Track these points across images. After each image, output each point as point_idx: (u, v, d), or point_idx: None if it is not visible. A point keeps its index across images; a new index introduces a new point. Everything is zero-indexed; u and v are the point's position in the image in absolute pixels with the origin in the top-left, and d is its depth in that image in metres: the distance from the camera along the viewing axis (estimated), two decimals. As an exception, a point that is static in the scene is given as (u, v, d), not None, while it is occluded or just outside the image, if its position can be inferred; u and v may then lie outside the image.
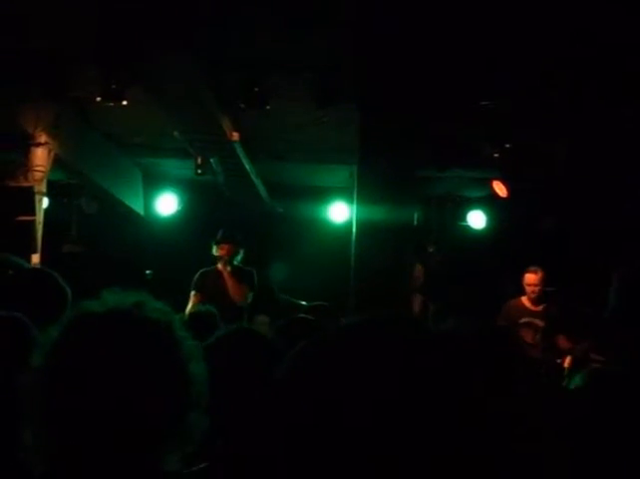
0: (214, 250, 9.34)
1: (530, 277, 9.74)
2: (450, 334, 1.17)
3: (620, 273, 3.00)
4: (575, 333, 9.54)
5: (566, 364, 9.14)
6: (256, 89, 8.45)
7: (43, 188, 9.75)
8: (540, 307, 9.75)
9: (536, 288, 9.70)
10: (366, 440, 1.06)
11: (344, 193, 12.00)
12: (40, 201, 9.67)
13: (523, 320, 9.59)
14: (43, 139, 9.53)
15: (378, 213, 7.46)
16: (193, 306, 9.04)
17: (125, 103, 8.24)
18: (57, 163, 9.93)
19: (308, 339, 1.20)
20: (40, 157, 9.59)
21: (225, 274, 9.18)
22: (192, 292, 9.24)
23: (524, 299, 9.81)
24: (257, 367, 2.80)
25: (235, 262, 9.31)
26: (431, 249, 12.59)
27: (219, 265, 9.32)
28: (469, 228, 12.72)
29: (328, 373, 1.12)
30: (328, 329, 1.21)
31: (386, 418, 1.06)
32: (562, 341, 9.66)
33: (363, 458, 1.06)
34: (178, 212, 12.98)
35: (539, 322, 9.62)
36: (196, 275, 9.35)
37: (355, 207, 8.04)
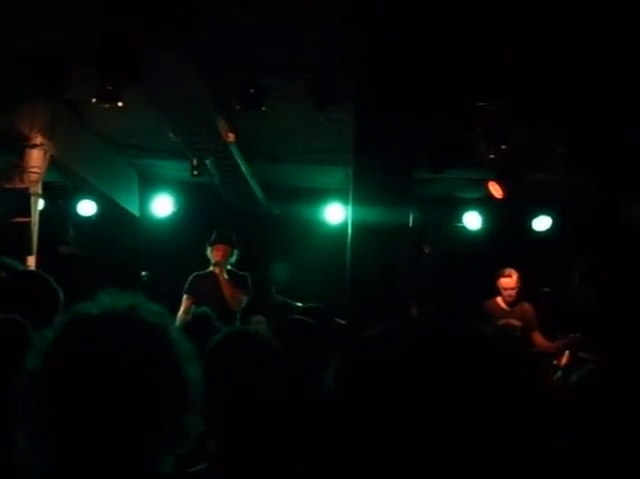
0: (209, 252, 9.33)
1: (507, 282, 9.69)
2: (484, 336, 1.19)
3: (591, 265, 2.96)
4: (550, 331, 9.59)
5: (562, 363, 9.17)
6: (252, 90, 8.45)
7: (39, 189, 9.74)
8: (516, 307, 9.75)
9: (513, 292, 9.68)
10: (420, 441, 1.07)
11: (340, 194, 12.00)
12: (35, 202, 9.65)
13: (501, 322, 9.59)
14: (39, 140, 9.52)
15: (373, 214, 7.46)
16: (186, 309, 9.04)
17: (120, 104, 8.23)
18: (53, 164, 9.92)
19: (351, 346, 1.21)
20: (36, 158, 9.57)
21: (221, 279, 9.17)
22: (185, 296, 9.23)
23: (500, 300, 9.78)
24: (256, 369, 2.81)
25: (229, 266, 9.31)
26: (427, 251, 12.59)
27: (213, 269, 9.31)
28: (464, 229, 12.72)
29: (378, 379, 1.13)
30: (367, 334, 1.21)
31: (440, 419, 1.07)
32: (538, 339, 9.70)
33: (419, 461, 1.07)
34: (174, 213, 12.96)
35: (516, 322, 9.64)
36: (189, 278, 9.34)
37: (351, 208, 8.05)
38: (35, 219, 9.55)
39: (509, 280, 9.68)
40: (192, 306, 9.00)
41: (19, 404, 1.75)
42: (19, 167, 9.53)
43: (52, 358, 1.75)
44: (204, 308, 6.43)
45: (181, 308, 9.11)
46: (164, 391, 1.77)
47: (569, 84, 7.99)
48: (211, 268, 9.37)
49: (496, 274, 9.82)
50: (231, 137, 10.01)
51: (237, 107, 8.67)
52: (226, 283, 9.15)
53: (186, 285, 9.29)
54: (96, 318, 1.79)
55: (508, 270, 9.74)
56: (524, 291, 10.03)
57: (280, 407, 2.89)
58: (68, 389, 1.72)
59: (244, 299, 9.23)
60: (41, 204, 10.03)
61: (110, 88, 8.05)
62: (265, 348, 2.91)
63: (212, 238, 9.36)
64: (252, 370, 2.83)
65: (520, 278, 9.71)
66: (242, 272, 9.36)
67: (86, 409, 1.71)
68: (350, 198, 8.01)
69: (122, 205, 12.43)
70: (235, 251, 9.34)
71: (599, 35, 7.08)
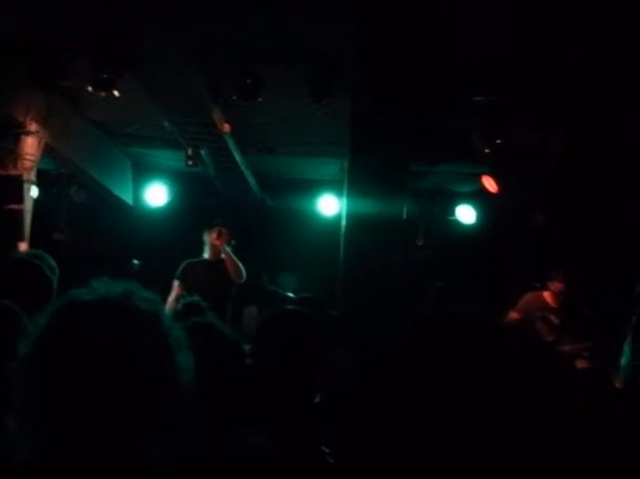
0: (206, 237, 9.31)
1: (560, 286, 9.89)
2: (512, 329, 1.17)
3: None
4: (578, 335, 9.81)
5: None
6: (248, 81, 8.44)
7: (32, 176, 9.73)
8: (558, 305, 9.95)
9: (565, 295, 9.90)
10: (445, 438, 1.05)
11: (334, 186, 12.01)
12: (29, 189, 9.64)
13: (541, 315, 9.81)
14: (33, 127, 9.50)
15: (368, 206, 7.47)
16: (176, 296, 9.03)
17: (116, 93, 8.22)
18: (47, 152, 9.91)
19: (361, 342, 1.18)
20: (30, 145, 9.56)
21: (225, 254, 9.15)
22: (176, 283, 9.21)
23: (547, 295, 9.97)
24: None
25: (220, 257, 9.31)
26: (419, 243, 12.61)
27: (208, 255, 9.30)
28: (457, 222, 12.74)
29: (393, 376, 1.11)
30: (388, 326, 1.18)
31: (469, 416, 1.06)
32: (565, 341, 9.88)
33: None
34: (168, 202, 12.95)
35: (555, 320, 9.81)
36: (182, 265, 9.32)
37: (345, 200, 8.05)
38: (28, 206, 9.55)
39: (563, 285, 9.89)
40: (183, 294, 9.01)
41: (10, 389, 1.75)
42: (13, 154, 9.51)
43: (44, 344, 1.75)
44: (195, 297, 6.42)
45: (172, 295, 9.09)
46: (156, 379, 1.77)
47: (567, 79, 7.99)
48: (205, 256, 9.37)
49: (551, 275, 9.98)
50: (227, 127, 9.99)
51: (233, 97, 8.66)
52: (229, 258, 9.15)
53: (178, 272, 9.28)
54: (89, 305, 1.79)
55: (561, 273, 9.94)
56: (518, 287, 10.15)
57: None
58: (59, 375, 1.72)
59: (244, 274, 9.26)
60: (34, 191, 10.02)
61: (105, 76, 8.04)
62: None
63: (215, 221, 9.40)
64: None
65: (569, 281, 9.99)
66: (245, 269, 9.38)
67: (77, 395, 1.71)
68: (345, 189, 8.01)
69: (115, 193, 12.41)
70: (231, 240, 9.34)
71: (598, 29, 7.08)
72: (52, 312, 1.79)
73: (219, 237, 9.22)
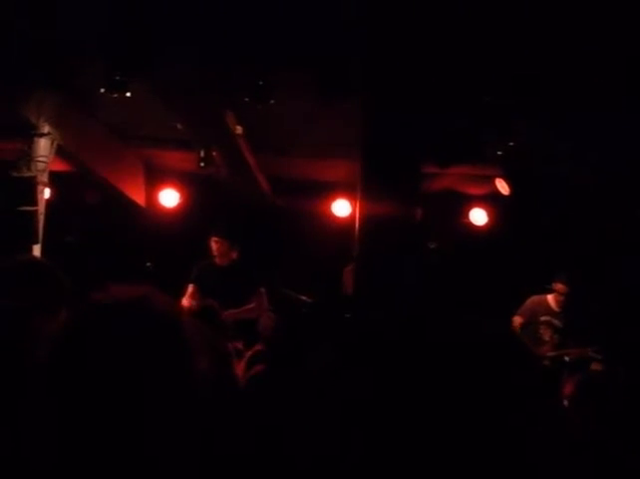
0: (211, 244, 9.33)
1: (564, 288, 9.96)
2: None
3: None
4: (582, 337, 9.87)
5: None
6: (261, 82, 8.42)
7: (45, 178, 9.74)
8: (563, 310, 10.02)
9: (566, 296, 9.97)
10: None
11: (347, 188, 11.98)
12: (42, 191, 9.65)
13: (544, 319, 9.89)
14: (46, 129, 9.52)
15: (381, 208, 7.45)
16: (188, 296, 9.05)
17: (128, 94, 8.22)
18: (59, 153, 9.92)
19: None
20: (43, 147, 9.57)
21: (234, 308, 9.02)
22: (190, 285, 9.23)
23: (550, 298, 10.06)
24: None
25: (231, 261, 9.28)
26: (432, 246, 12.58)
27: (217, 260, 9.30)
28: (470, 225, 12.71)
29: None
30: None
31: None
32: (570, 344, 9.91)
33: None
34: (180, 204, 12.95)
35: (558, 323, 9.88)
36: (195, 268, 9.34)
37: (358, 202, 8.03)
38: (41, 208, 9.55)
39: (566, 287, 9.97)
40: (197, 296, 9.01)
41: (30, 394, 1.75)
42: (26, 155, 9.53)
43: (63, 349, 1.74)
44: (211, 300, 6.41)
45: (186, 297, 9.10)
46: (174, 383, 1.77)
47: (578, 80, 7.97)
48: (215, 258, 9.37)
49: (555, 277, 10.06)
50: (239, 129, 9.98)
51: (246, 99, 8.65)
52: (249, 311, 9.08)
53: (192, 275, 9.30)
54: (107, 309, 1.78)
55: (565, 276, 10.03)
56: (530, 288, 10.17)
57: None
58: (78, 380, 1.71)
59: (269, 312, 9.19)
60: (47, 193, 10.03)
61: (118, 78, 8.05)
62: None
63: (209, 233, 9.38)
64: None
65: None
66: (251, 269, 9.32)
67: (97, 400, 1.70)
68: (358, 192, 8.00)
69: (127, 195, 12.42)
70: (234, 245, 9.30)
71: (606, 29, 7.07)
72: (71, 317, 1.79)
73: (216, 249, 9.23)
